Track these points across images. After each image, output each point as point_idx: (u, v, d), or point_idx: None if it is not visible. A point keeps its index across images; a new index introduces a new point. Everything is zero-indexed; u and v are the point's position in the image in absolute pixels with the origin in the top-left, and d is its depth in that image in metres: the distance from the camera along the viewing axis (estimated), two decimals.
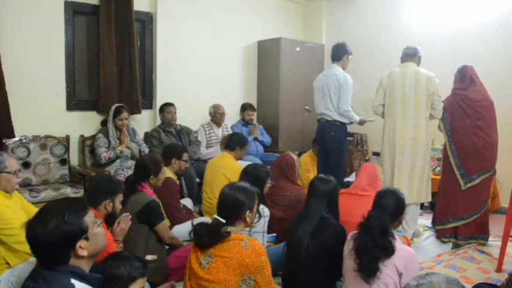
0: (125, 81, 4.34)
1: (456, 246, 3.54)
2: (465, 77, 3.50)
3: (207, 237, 1.84)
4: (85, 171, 3.82)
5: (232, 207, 1.91)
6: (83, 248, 1.41)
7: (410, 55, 3.62)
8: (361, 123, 4.12)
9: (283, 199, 3.23)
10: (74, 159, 4.14)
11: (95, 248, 1.47)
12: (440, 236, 3.60)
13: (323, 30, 5.94)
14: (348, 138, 5.00)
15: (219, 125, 4.91)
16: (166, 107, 4.46)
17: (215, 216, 1.91)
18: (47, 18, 3.94)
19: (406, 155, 3.51)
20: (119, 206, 2.33)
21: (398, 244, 1.97)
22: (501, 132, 3.57)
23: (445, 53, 4.56)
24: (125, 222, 2.30)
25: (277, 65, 5.30)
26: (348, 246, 2.05)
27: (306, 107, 5.33)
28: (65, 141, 4.00)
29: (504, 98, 4.11)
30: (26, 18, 3.80)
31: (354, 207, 2.71)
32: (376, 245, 1.89)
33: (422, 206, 4.07)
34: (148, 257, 2.29)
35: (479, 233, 3.53)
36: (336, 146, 3.97)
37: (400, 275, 1.89)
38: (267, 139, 5.19)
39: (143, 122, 4.64)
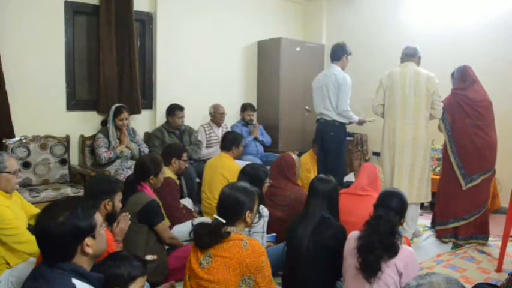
0: (124, 81, 4.34)
1: (456, 246, 3.54)
2: (465, 77, 3.50)
3: (207, 237, 1.84)
4: (85, 171, 3.82)
5: (233, 207, 1.91)
6: (89, 245, 1.42)
7: (410, 55, 3.62)
8: (360, 123, 4.12)
9: (283, 199, 3.23)
10: (74, 159, 4.14)
11: (99, 248, 1.48)
12: (441, 236, 3.60)
13: (323, 30, 5.94)
14: (348, 138, 5.01)
15: (219, 125, 4.91)
16: (177, 112, 4.43)
17: (215, 216, 1.92)
18: (47, 18, 3.94)
19: (406, 155, 3.51)
20: (118, 205, 2.33)
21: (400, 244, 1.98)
22: (501, 132, 3.57)
23: (445, 53, 4.56)
24: (124, 222, 2.30)
25: (277, 65, 5.30)
26: (349, 246, 2.05)
27: (306, 107, 5.33)
28: (65, 141, 4.00)
29: (504, 98, 4.11)
30: (26, 18, 3.80)
31: (354, 207, 2.72)
32: (382, 244, 1.89)
33: (422, 206, 4.07)
34: (149, 257, 2.29)
35: (479, 233, 3.53)
36: (335, 146, 3.96)
37: (400, 274, 1.89)
38: (267, 139, 5.19)
39: (143, 122, 4.64)
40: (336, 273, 2.18)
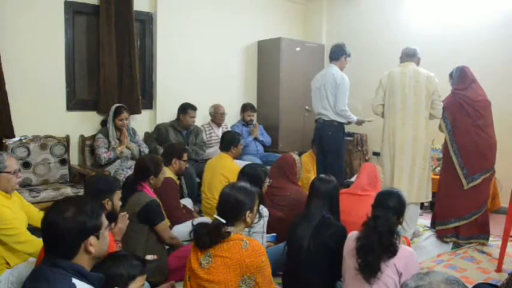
0: (124, 81, 4.34)
1: (456, 246, 3.54)
2: (464, 77, 3.50)
3: (207, 237, 1.84)
4: (85, 171, 3.82)
5: (233, 207, 1.91)
6: (92, 245, 1.43)
7: (410, 55, 3.62)
8: (359, 123, 4.12)
9: (283, 199, 3.23)
10: (74, 159, 4.14)
11: (102, 249, 1.48)
12: (442, 236, 3.59)
13: (323, 30, 5.94)
14: (348, 138, 5.02)
15: (219, 125, 4.91)
16: (190, 111, 4.43)
17: (215, 216, 1.92)
18: (47, 18, 3.94)
19: (406, 155, 3.51)
20: (118, 204, 2.34)
21: (398, 244, 1.98)
22: (501, 132, 3.57)
23: (445, 53, 4.56)
24: (122, 221, 2.30)
25: (277, 65, 5.30)
26: (349, 246, 2.05)
27: (306, 107, 5.33)
28: (65, 141, 4.00)
29: (504, 98, 4.11)
30: (26, 18, 3.80)
31: (354, 207, 2.71)
32: (381, 244, 1.89)
33: (422, 206, 4.07)
34: (149, 257, 2.29)
35: (480, 232, 3.53)
36: (334, 145, 3.96)
37: (400, 275, 1.89)
38: (267, 139, 5.20)
39: (143, 122, 4.64)
40: (336, 273, 2.18)
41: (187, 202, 3.82)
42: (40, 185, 3.72)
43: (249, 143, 4.92)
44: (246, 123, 5.12)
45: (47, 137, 3.90)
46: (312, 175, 4.47)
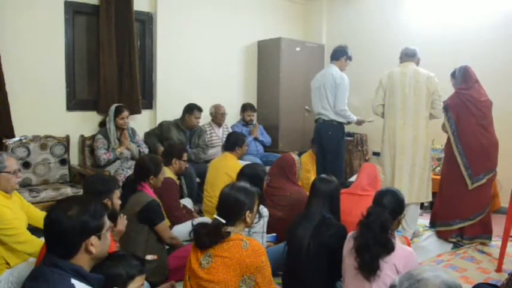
0: (124, 81, 4.34)
1: (456, 246, 3.54)
2: (468, 77, 3.49)
3: (207, 237, 1.84)
4: (85, 171, 3.82)
5: (233, 207, 1.91)
6: (93, 245, 1.43)
7: (410, 55, 3.62)
8: (359, 123, 4.12)
9: (283, 199, 3.23)
10: (74, 159, 4.14)
11: (102, 250, 1.48)
12: (447, 236, 3.59)
13: (323, 30, 5.94)
14: (348, 138, 5.02)
15: (219, 125, 4.92)
16: (195, 111, 4.41)
17: (215, 216, 1.91)
18: (47, 18, 3.94)
19: (407, 155, 3.51)
20: (117, 202, 2.34)
21: (398, 244, 1.98)
22: (501, 132, 3.57)
23: (445, 53, 4.56)
24: (122, 224, 2.30)
25: (277, 65, 5.30)
26: (348, 246, 2.05)
27: (306, 107, 5.34)
28: (65, 141, 4.00)
29: (504, 98, 4.11)
30: (26, 18, 3.80)
31: (354, 207, 2.71)
32: (376, 242, 1.90)
33: (422, 206, 4.06)
34: (149, 257, 2.29)
35: (483, 232, 3.53)
36: (334, 145, 3.97)
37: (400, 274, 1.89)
38: (267, 139, 5.20)
39: (143, 122, 4.64)
40: (336, 273, 2.18)
41: (187, 202, 3.82)
42: (40, 185, 3.71)
43: (249, 143, 4.91)
44: (246, 123, 5.12)
45: (47, 137, 3.90)
46: (312, 175, 4.48)
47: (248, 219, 1.93)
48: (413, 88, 3.47)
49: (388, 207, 2.03)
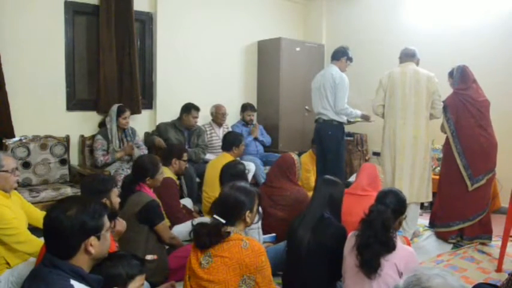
0: (124, 81, 4.34)
1: (456, 246, 3.54)
2: (466, 77, 3.50)
3: (207, 237, 1.84)
4: (85, 171, 3.82)
5: (233, 207, 1.91)
6: (93, 245, 1.42)
7: (409, 55, 3.62)
8: (364, 117, 4.07)
9: (283, 199, 3.22)
10: (74, 159, 4.13)
11: (102, 250, 1.48)
12: (447, 238, 3.59)
13: (323, 30, 5.94)
14: (348, 138, 5.02)
15: (220, 125, 4.91)
16: (193, 111, 4.42)
17: (214, 216, 1.91)
18: (47, 18, 3.94)
19: (407, 155, 3.51)
20: (116, 201, 2.33)
21: (399, 244, 1.98)
22: (501, 132, 3.57)
23: (445, 53, 4.55)
24: (121, 225, 2.30)
25: (277, 65, 5.30)
26: (349, 245, 2.05)
27: (306, 107, 5.33)
28: (65, 141, 4.00)
29: (504, 98, 4.11)
30: (26, 18, 3.80)
31: (354, 207, 2.70)
32: (377, 240, 1.90)
33: (422, 206, 4.06)
34: (149, 257, 2.29)
35: (483, 232, 3.53)
36: (334, 145, 3.97)
37: (400, 274, 1.89)
38: (267, 139, 5.20)
39: (143, 122, 4.64)
40: (336, 273, 2.18)
41: (187, 202, 3.82)
42: (40, 185, 3.71)
43: (249, 143, 4.92)
44: (246, 123, 5.12)
45: (47, 137, 3.90)
46: (312, 175, 4.48)
47: (248, 219, 1.93)
48: (413, 88, 3.47)
49: (390, 207, 2.03)
